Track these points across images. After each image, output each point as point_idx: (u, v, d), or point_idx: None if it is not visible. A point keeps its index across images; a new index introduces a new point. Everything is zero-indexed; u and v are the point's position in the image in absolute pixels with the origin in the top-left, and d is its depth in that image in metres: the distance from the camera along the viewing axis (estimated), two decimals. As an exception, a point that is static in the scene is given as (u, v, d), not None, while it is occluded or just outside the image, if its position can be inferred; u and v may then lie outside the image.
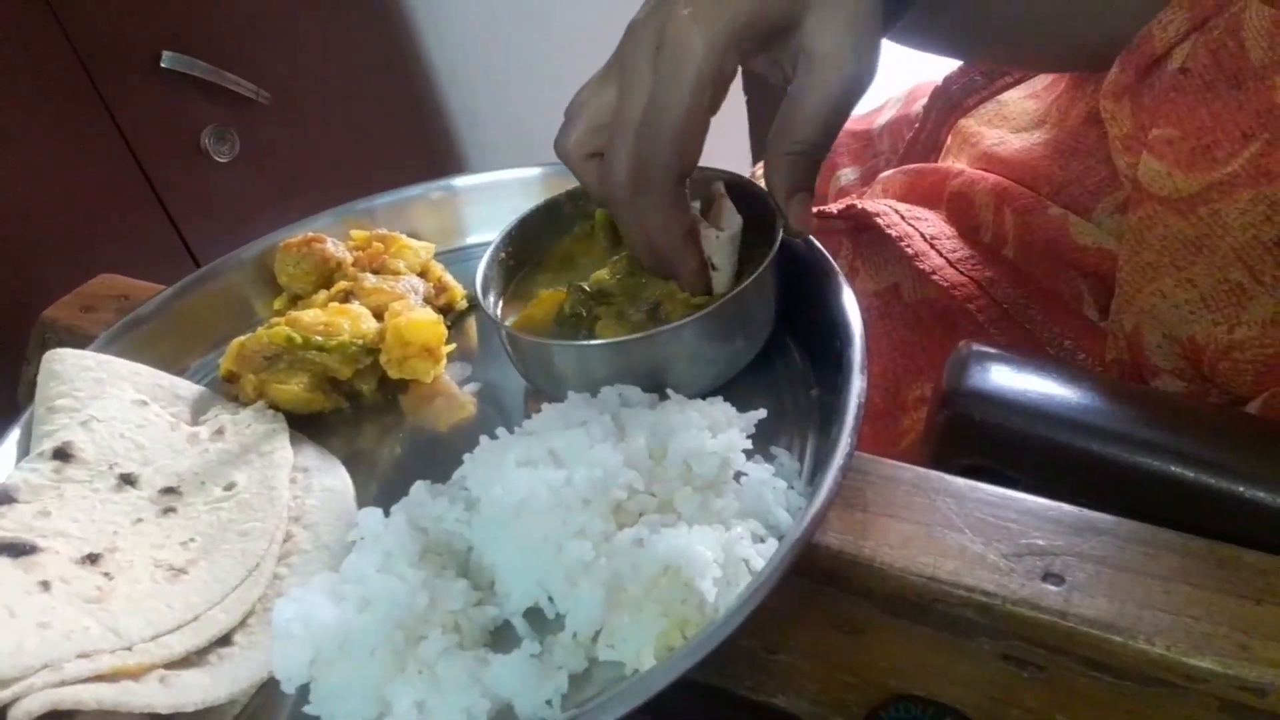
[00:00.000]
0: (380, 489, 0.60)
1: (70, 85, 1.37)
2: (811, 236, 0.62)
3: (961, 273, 0.74)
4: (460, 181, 0.77)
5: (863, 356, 0.51)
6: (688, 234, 0.56)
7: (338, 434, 0.64)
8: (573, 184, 0.67)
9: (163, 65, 1.47)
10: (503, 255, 0.64)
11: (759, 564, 0.44)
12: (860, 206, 0.81)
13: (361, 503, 0.58)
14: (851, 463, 0.46)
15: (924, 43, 0.74)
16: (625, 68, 0.54)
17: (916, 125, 0.94)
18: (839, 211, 0.83)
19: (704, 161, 0.67)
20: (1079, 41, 0.68)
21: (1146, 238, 0.60)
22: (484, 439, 0.52)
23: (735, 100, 1.78)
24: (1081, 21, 0.67)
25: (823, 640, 0.51)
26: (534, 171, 0.76)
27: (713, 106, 0.54)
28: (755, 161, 1.78)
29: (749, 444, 0.48)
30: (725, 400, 0.53)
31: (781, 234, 0.57)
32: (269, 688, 0.48)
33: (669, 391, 0.52)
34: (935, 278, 0.74)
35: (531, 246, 0.66)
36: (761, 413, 0.50)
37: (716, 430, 0.48)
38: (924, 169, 0.87)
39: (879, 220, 0.79)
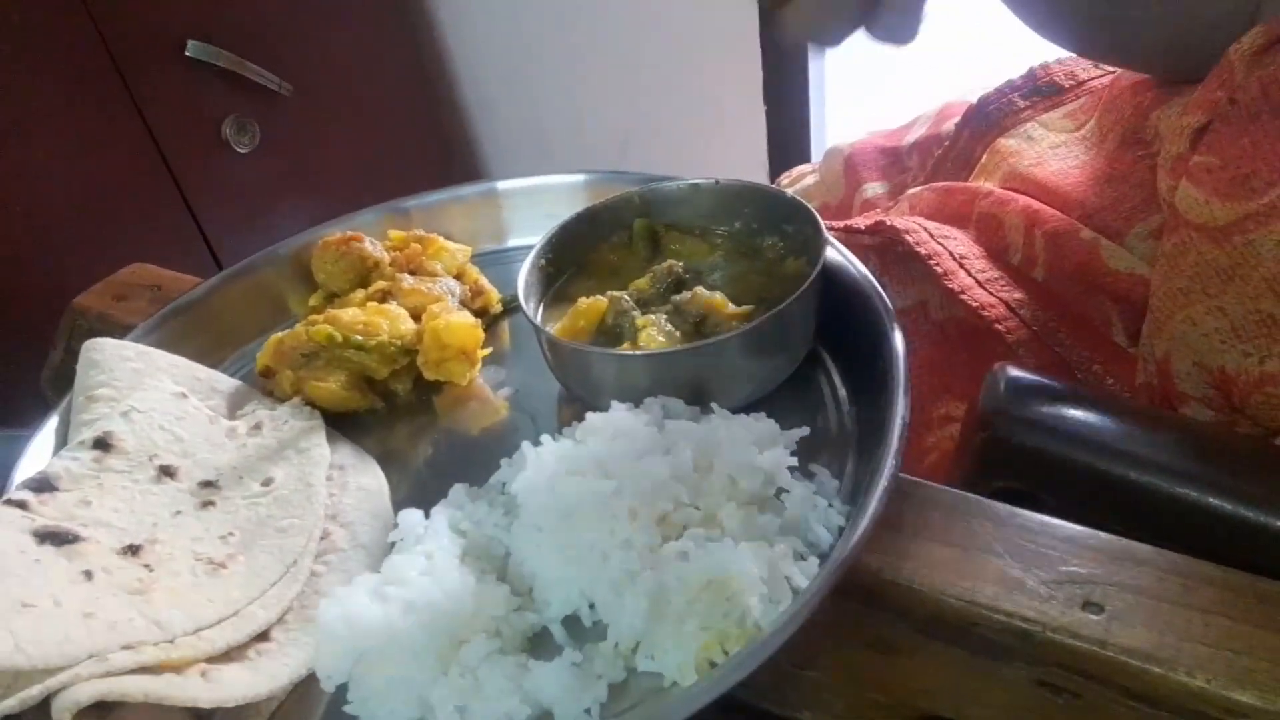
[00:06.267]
0: (413, 489, 0.60)
1: (96, 70, 1.38)
2: (851, 254, 0.62)
3: (990, 293, 0.74)
4: (502, 185, 0.78)
5: (906, 377, 0.51)
6: None
7: (371, 433, 0.64)
8: (612, 193, 0.68)
9: (187, 54, 1.47)
10: (543, 262, 0.64)
11: (801, 581, 0.45)
12: (889, 223, 0.81)
13: (394, 503, 0.58)
14: (895, 485, 0.46)
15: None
16: None
17: (946, 144, 0.94)
18: (867, 227, 0.83)
19: (721, 172, 0.68)
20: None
21: (1179, 264, 0.60)
22: (525, 445, 0.52)
23: (754, 111, 1.78)
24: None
25: (854, 658, 0.51)
26: (577, 179, 0.76)
27: None
28: (773, 174, 1.78)
29: (794, 461, 0.49)
30: (765, 415, 0.53)
31: (824, 253, 0.57)
32: (304, 685, 0.48)
33: (713, 406, 0.52)
34: (964, 297, 0.74)
35: (570, 253, 0.66)
36: (804, 430, 0.51)
37: (763, 447, 0.48)
38: (953, 188, 0.87)
39: (908, 238, 0.79)
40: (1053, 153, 0.82)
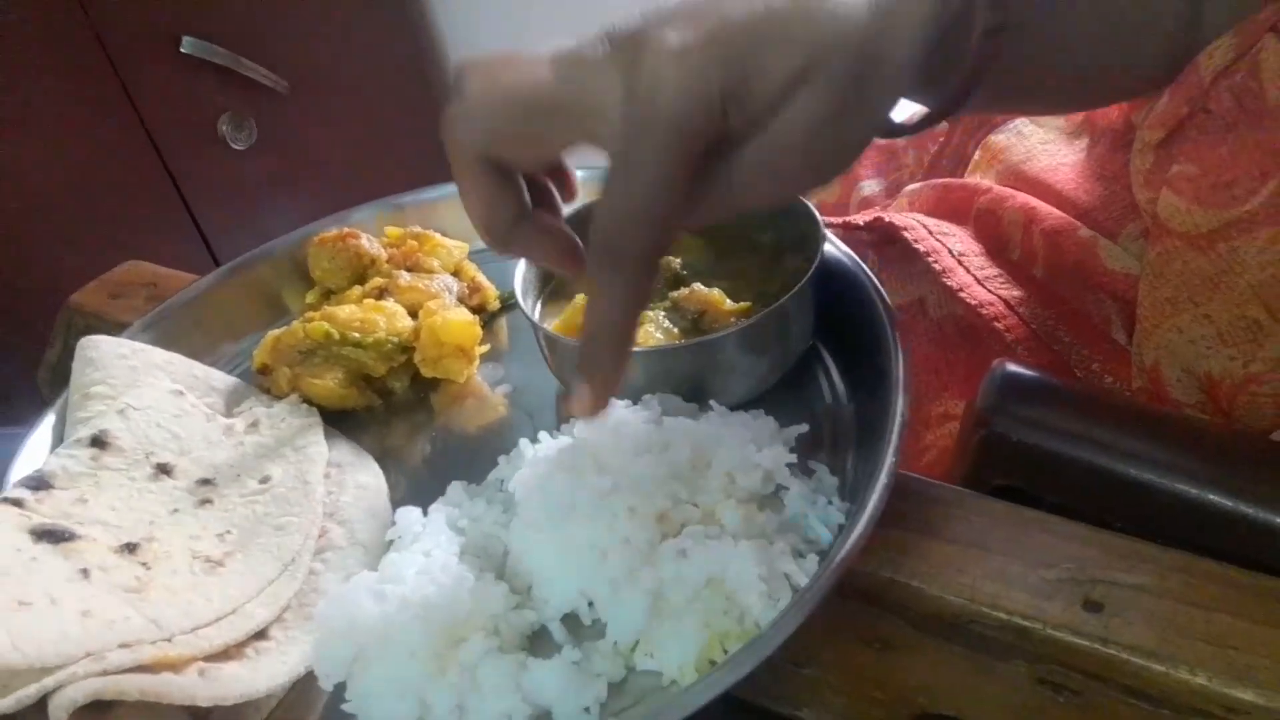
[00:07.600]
0: (411, 487, 0.60)
1: (91, 66, 1.37)
2: (850, 250, 0.62)
3: (989, 291, 0.74)
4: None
5: (905, 374, 0.51)
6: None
7: (369, 431, 0.64)
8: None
9: (182, 50, 1.47)
10: (540, 258, 0.64)
11: (800, 579, 0.45)
12: (887, 219, 0.81)
13: (392, 501, 0.58)
14: (894, 482, 0.46)
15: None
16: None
17: (941, 140, 0.94)
18: (865, 224, 0.83)
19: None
20: (1111, 83, 0.67)
21: (1164, 273, 0.60)
22: (523, 442, 0.52)
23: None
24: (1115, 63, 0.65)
25: (853, 655, 0.51)
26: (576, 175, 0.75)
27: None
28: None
29: (794, 458, 0.49)
30: (763, 412, 0.53)
31: (822, 249, 0.57)
32: (303, 683, 0.48)
33: (711, 403, 0.52)
34: (962, 295, 0.74)
35: None
36: (803, 428, 0.50)
37: (761, 444, 0.48)
38: (951, 184, 0.87)
39: (906, 234, 0.79)
40: (1042, 149, 0.81)
